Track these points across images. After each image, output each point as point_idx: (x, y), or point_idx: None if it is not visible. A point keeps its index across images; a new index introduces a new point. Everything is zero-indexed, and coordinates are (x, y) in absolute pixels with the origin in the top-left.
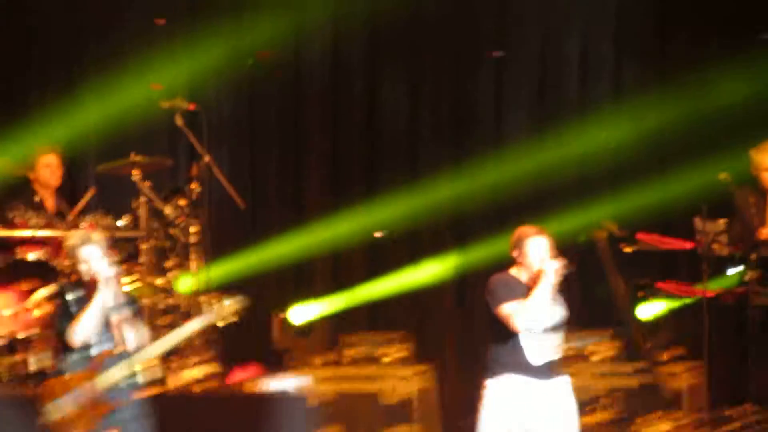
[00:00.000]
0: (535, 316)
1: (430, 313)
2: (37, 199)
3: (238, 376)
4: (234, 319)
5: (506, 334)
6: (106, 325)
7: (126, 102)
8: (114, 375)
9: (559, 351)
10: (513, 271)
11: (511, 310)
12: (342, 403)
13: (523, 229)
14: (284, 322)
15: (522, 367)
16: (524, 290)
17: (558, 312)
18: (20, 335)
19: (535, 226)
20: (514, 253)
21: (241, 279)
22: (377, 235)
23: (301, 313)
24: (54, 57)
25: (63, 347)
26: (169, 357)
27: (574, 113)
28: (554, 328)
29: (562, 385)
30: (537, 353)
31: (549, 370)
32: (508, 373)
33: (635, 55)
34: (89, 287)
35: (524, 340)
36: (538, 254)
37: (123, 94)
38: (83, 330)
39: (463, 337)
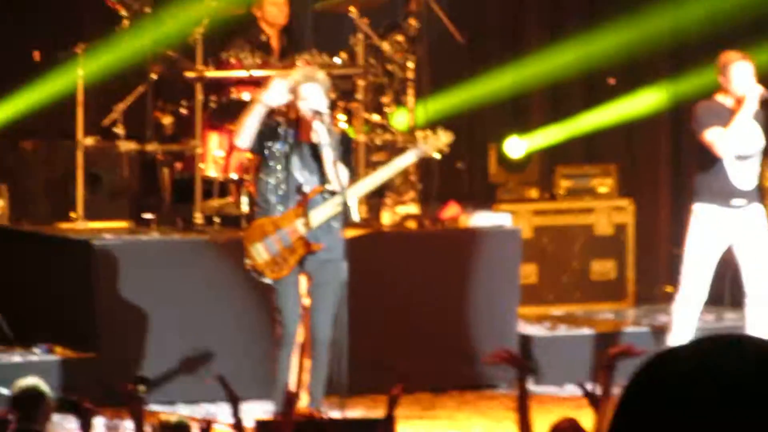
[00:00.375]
0: (738, 142)
1: (645, 145)
2: (263, 38)
3: (450, 211)
4: (445, 151)
5: (711, 160)
6: (319, 163)
7: None
8: (323, 213)
9: (759, 178)
10: (719, 97)
11: (714, 136)
12: (556, 236)
13: (728, 55)
14: (500, 155)
15: (727, 192)
16: (729, 116)
17: (759, 138)
18: (233, 176)
19: (740, 51)
20: (720, 79)
21: (458, 113)
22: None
23: (518, 145)
24: None
25: (266, 189)
26: (382, 194)
27: None
28: (756, 154)
29: (759, 212)
30: (741, 178)
31: (751, 195)
32: (714, 197)
33: None
34: (304, 126)
35: (729, 166)
36: (742, 79)
37: None
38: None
39: (677, 169)
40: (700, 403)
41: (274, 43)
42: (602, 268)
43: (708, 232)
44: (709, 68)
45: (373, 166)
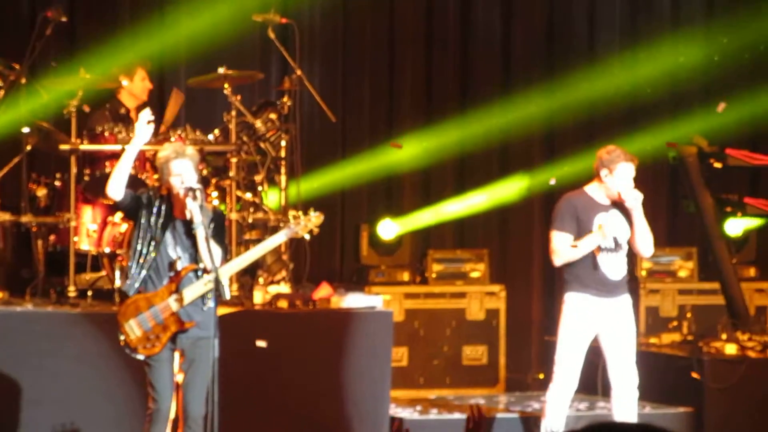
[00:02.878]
0: (576, 257)
1: (517, 231)
2: (122, 111)
3: (322, 291)
4: (315, 232)
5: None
6: (191, 239)
7: (217, 15)
8: (196, 290)
9: (632, 268)
10: (589, 188)
11: (557, 242)
12: (427, 320)
13: (614, 150)
14: (373, 236)
15: (597, 282)
16: (594, 208)
17: (626, 229)
18: (106, 250)
19: (625, 150)
20: (602, 171)
21: (330, 193)
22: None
23: (390, 227)
24: None
25: (140, 264)
26: (254, 273)
27: (665, 30)
28: (624, 245)
29: (627, 303)
30: (610, 269)
31: (619, 286)
32: (585, 287)
33: None
34: (176, 202)
35: (600, 257)
36: (625, 180)
37: (214, 8)
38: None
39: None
40: None
41: (134, 116)
42: (474, 353)
43: (580, 320)
44: (583, 155)
45: (245, 244)
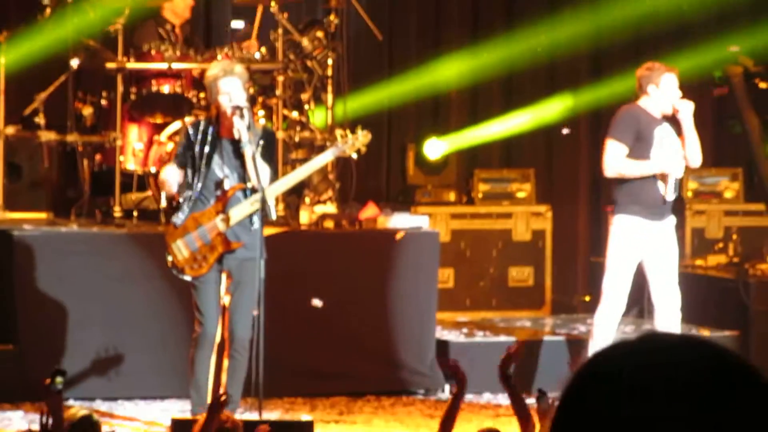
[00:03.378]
0: (627, 174)
1: (564, 151)
2: (168, 27)
3: (369, 211)
4: (363, 151)
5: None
6: (239, 159)
7: None
8: (243, 210)
9: (679, 189)
10: (642, 102)
11: (613, 158)
12: (473, 240)
13: (654, 64)
14: (419, 156)
15: (650, 205)
16: (651, 122)
17: (679, 152)
18: (152, 169)
19: (665, 63)
20: (649, 87)
21: (377, 112)
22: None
23: (436, 147)
24: None
25: (188, 184)
26: (301, 193)
27: None
28: (676, 168)
29: (672, 224)
30: (667, 191)
31: (669, 208)
32: (636, 209)
33: None
34: (224, 121)
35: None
36: (674, 90)
37: None
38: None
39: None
40: (660, 394)
41: (178, 32)
42: (520, 274)
43: (628, 244)
44: (629, 74)
45: (291, 163)
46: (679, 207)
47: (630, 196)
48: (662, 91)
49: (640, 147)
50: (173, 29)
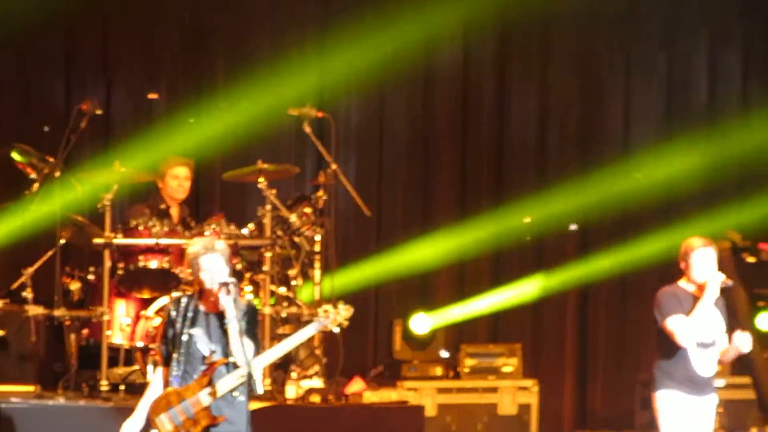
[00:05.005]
0: (700, 330)
1: (550, 325)
2: (163, 207)
3: (355, 386)
4: (345, 325)
5: (674, 347)
6: (224, 334)
7: (254, 110)
8: (228, 384)
9: (716, 366)
10: (681, 283)
11: (675, 325)
12: (459, 415)
13: (690, 241)
14: (406, 331)
15: (689, 379)
16: (692, 302)
17: (720, 325)
18: (138, 344)
19: (703, 237)
20: (682, 265)
21: (364, 288)
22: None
23: (423, 322)
24: (183, 67)
25: (170, 361)
26: (287, 367)
27: (701, 123)
28: (717, 342)
29: (713, 403)
30: (703, 366)
31: (709, 384)
32: (677, 384)
33: (763, 65)
34: (207, 296)
35: (692, 353)
36: (704, 266)
37: (252, 102)
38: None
39: (582, 350)
40: None
41: (174, 213)
42: None
43: (678, 415)
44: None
45: (278, 338)
46: None
47: (667, 372)
48: (693, 268)
49: None
50: (168, 209)
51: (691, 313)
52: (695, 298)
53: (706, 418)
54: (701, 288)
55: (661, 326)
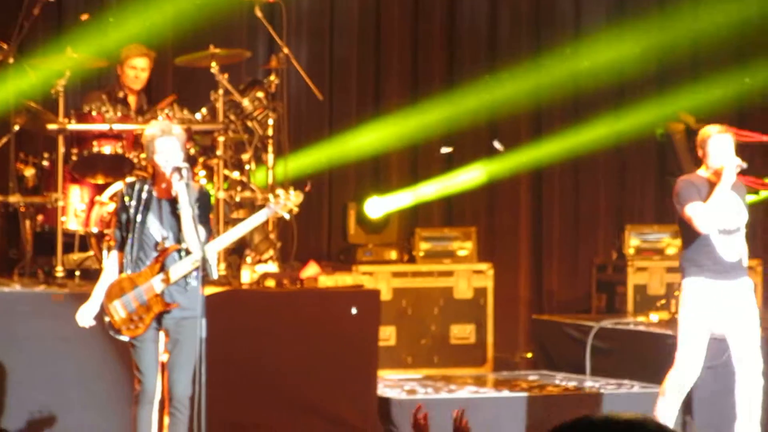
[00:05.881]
0: (720, 216)
1: (505, 208)
2: (120, 94)
3: (310, 270)
4: (295, 211)
5: (696, 235)
6: (177, 219)
7: None
8: (181, 270)
9: (742, 251)
10: (700, 171)
11: (693, 211)
12: (415, 298)
13: (707, 128)
14: (360, 215)
15: (715, 265)
16: (709, 189)
17: (743, 211)
18: (93, 230)
19: (720, 124)
20: (699, 153)
21: (317, 172)
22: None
23: (377, 205)
24: None
25: (124, 246)
26: (242, 252)
27: (652, 5)
28: (741, 228)
29: (747, 286)
30: (728, 252)
31: (736, 268)
32: (703, 271)
33: None
34: (161, 181)
35: (715, 239)
36: (720, 152)
37: None
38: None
39: (537, 233)
40: None
41: (132, 101)
42: (461, 332)
43: (699, 305)
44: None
45: (232, 222)
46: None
47: (691, 259)
48: (709, 155)
49: None
50: (125, 97)
51: (709, 199)
52: (712, 185)
53: (743, 301)
54: (718, 174)
55: (680, 215)
